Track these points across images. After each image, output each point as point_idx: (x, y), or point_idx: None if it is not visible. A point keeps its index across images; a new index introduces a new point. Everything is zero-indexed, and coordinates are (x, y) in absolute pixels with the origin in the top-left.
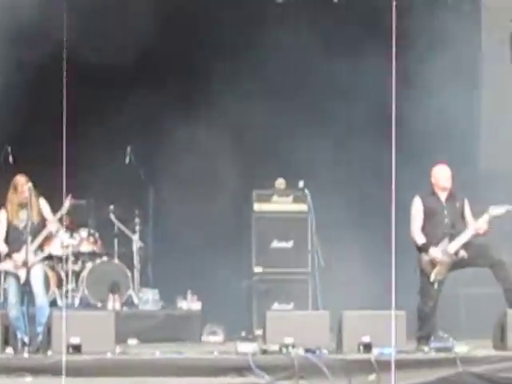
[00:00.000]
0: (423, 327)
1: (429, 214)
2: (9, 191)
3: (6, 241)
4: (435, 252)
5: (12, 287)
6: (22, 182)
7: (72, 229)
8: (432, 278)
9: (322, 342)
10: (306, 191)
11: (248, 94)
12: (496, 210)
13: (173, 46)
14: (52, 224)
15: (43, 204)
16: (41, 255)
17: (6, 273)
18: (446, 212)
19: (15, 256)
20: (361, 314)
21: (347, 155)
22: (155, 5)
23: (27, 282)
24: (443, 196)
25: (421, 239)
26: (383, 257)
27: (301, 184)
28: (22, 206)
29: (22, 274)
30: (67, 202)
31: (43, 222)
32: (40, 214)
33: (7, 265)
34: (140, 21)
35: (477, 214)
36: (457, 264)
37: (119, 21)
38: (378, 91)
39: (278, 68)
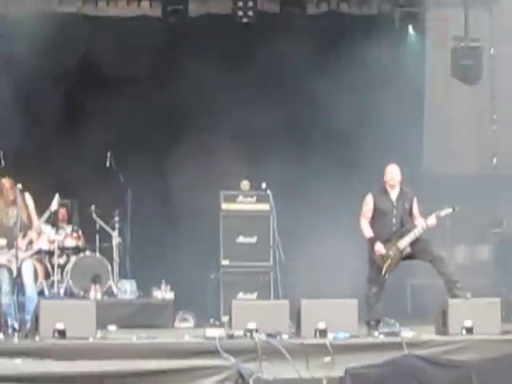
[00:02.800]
0: (370, 312)
1: (379, 213)
2: None
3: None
4: (380, 247)
5: (5, 278)
6: (7, 186)
7: (63, 221)
8: (384, 270)
9: (283, 327)
10: (268, 192)
11: (222, 100)
12: (443, 212)
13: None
14: (37, 226)
15: (28, 199)
16: (31, 251)
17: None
18: (395, 212)
19: (8, 250)
20: (317, 303)
21: (307, 159)
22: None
23: (18, 274)
24: (394, 194)
25: (369, 232)
26: (340, 250)
27: (263, 185)
28: (9, 204)
29: (14, 266)
30: (55, 201)
31: (30, 217)
32: (26, 209)
33: (2, 258)
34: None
35: (422, 212)
36: (403, 257)
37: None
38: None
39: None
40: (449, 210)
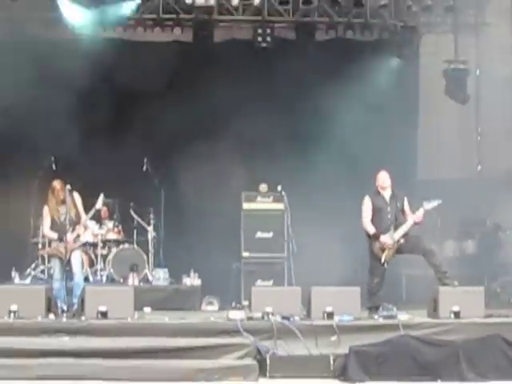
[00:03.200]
0: (371, 299)
1: (376, 210)
2: (48, 193)
3: (52, 230)
4: (386, 238)
5: (57, 266)
6: (58, 187)
7: (105, 218)
8: (382, 260)
9: (295, 310)
10: (283, 193)
11: (242, 114)
12: (429, 205)
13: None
14: (85, 221)
15: (77, 197)
16: (79, 243)
17: (52, 255)
18: (389, 209)
19: (60, 243)
20: (326, 290)
21: (316, 165)
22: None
23: (68, 263)
24: (387, 195)
25: (372, 229)
26: (346, 243)
27: (279, 188)
28: (60, 203)
29: (64, 256)
30: (100, 200)
31: (78, 214)
32: (75, 207)
33: (54, 249)
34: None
35: (413, 211)
36: (399, 250)
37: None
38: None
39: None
40: (434, 203)
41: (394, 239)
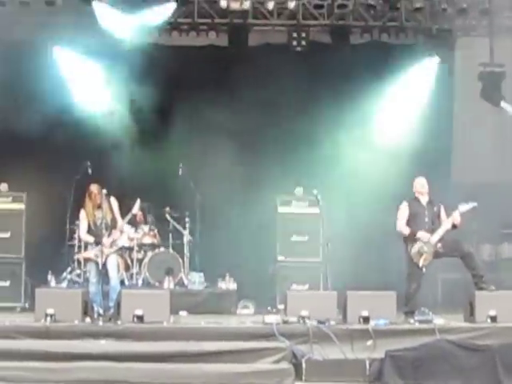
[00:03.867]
0: (409, 304)
1: (413, 215)
2: (85, 197)
3: (89, 234)
4: (422, 234)
5: (93, 270)
6: (95, 192)
7: (141, 222)
8: (420, 264)
9: (331, 314)
10: (319, 197)
11: (277, 118)
12: (464, 207)
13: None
14: (121, 226)
15: (113, 202)
16: (115, 247)
17: (88, 259)
18: (426, 213)
19: (97, 247)
20: (361, 294)
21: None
22: None
23: (104, 267)
24: (424, 201)
25: (406, 230)
26: (382, 248)
27: (314, 191)
28: (97, 207)
29: (100, 260)
30: (137, 205)
31: (115, 218)
32: (112, 211)
33: (90, 253)
34: None
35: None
36: (436, 254)
37: None
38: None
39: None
40: (469, 206)
41: (431, 244)
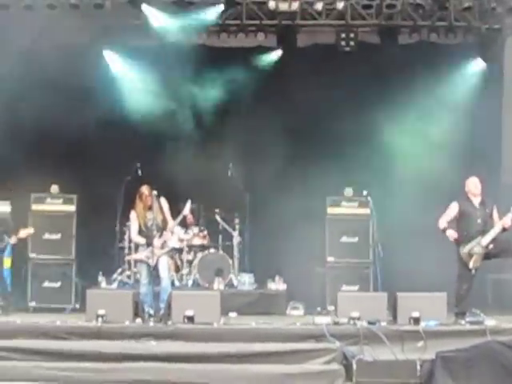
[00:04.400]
0: (459, 305)
1: (465, 215)
2: (136, 198)
3: (140, 235)
4: (451, 233)
5: (144, 271)
6: (146, 193)
7: (192, 223)
8: (470, 266)
9: (381, 316)
10: (369, 198)
11: (326, 118)
12: None
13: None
14: (172, 227)
15: (163, 203)
16: (166, 248)
17: (139, 260)
18: (478, 213)
19: (147, 248)
20: (411, 295)
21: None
22: None
23: (155, 268)
24: (476, 201)
25: (442, 225)
26: (432, 248)
27: (364, 192)
28: (148, 208)
29: (151, 262)
30: (187, 206)
31: (165, 219)
32: (162, 212)
33: (141, 255)
34: None
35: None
36: (487, 255)
37: None
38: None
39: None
40: None
41: (482, 245)
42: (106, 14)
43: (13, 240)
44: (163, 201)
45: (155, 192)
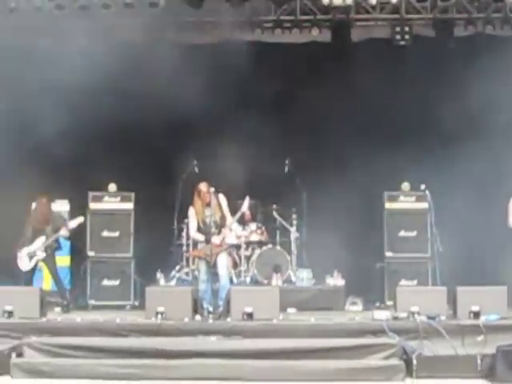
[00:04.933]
0: None
1: None
2: (194, 195)
3: (199, 232)
4: None
5: (203, 268)
6: (204, 190)
7: (250, 220)
8: None
9: (441, 310)
10: (427, 192)
11: (383, 113)
12: None
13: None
14: (230, 224)
15: (222, 199)
16: (224, 245)
17: (198, 257)
18: None
19: (205, 245)
20: (471, 289)
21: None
22: None
23: (214, 265)
24: None
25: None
26: (490, 242)
27: (422, 186)
28: (206, 205)
29: (210, 259)
30: (246, 203)
31: (224, 216)
32: (221, 209)
33: (201, 252)
34: None
35: None
36: None
37: None
38: None
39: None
40: None
41: None
42: (160, 12)
43: (64, 232)
44: (222, 197)
45: (213, 189)
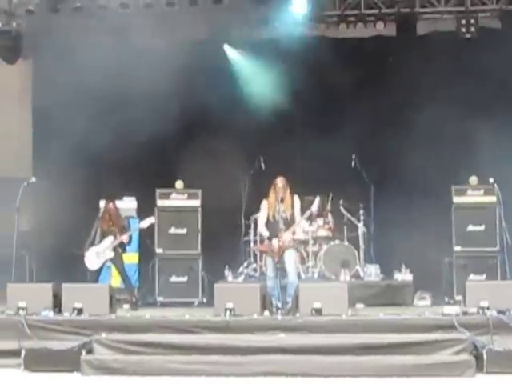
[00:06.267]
0: None
1: None
2: (270, 189)
3: (266, 227)
4: None
5: (270, 265)
6: (280, 186)
7: (318, 215)
8: None
9: (511, 304)
10: (495, 185)
11: (449, 106)
12: None
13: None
14: (298, 223)
15: (296, 200)
16: (292, 243)
17: (265, 252)
18: None
19: (273, 241)
20: None
21: None
22: None
23: (281, 262)
24: None
25: None
26: None
27: (491, 180)
28: (280, 200)
29: (277, 255)
30: (316, 203)
31: (293, 215)
32: (292, 209)
33: (265, 247)
34: None
35: None
36: None
37: None
38: None
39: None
40: None
41: None
42: (224, 8)
43: (125, 238)
44: (296, 199)
45: (288, 188)
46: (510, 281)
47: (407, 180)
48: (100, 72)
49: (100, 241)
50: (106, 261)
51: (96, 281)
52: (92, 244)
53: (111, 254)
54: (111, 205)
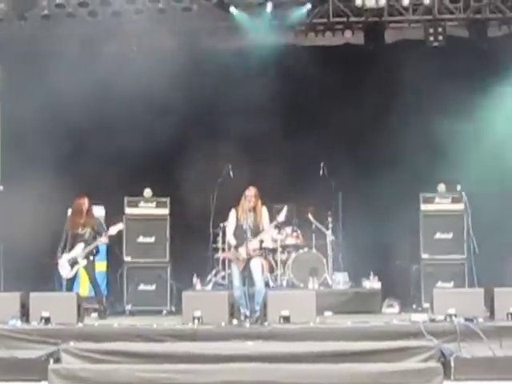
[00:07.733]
0: None
1: None
2: (241, 198)
3: (234, 236)
4: None
5: (235, 275)
6: (250, 195)
7: (284, 223)
8: None
9: (478, 312)
10: (463, 193)
11: (419, 114)
12: None
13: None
14: (268, 233)
15: (264, 211)
16: (258, 252)
17: (230, 260)
18: None
19: (239, 249)
20: (509, 290)
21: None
22: None
23: (247, 270)
24: None
25: None
26: None
27: (458, 188)
28: (249, 210)
29: (240, 264)
30: (283, 213)
31: (262, 225)
32: (261, 219)
33: (231, 255)
34: None
35: None
36: None
37: None
38: None
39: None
40: None
41: None
42: (193, 17)
43: (104, 239)
44: (264, 210)
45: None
46: (477, 288)
47: (375, 188)
48: (68, 80)
49: (71, 248)
50: (78, 269)
51: (71, 289)
52: (64, 250)
53: (84, 262)
54: (81, 203)
